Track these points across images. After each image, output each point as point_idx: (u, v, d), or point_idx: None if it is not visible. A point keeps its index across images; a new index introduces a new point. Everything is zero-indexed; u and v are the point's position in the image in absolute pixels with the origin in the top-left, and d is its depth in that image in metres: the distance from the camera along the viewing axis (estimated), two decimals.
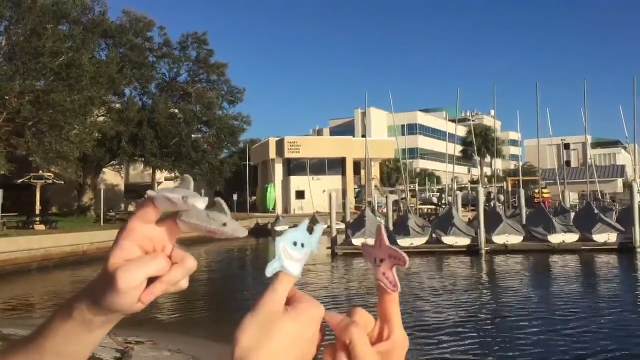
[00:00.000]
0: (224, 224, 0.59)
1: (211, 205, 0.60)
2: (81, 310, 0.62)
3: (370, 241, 0.62)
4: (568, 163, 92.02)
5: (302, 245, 0.58)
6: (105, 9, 38.52)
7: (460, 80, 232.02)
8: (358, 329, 0.57)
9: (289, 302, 0.58)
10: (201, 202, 0.59)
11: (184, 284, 0.64)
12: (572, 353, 9.77)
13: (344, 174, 62.69)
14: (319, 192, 56.69)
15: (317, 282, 19.48)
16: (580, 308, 13.81)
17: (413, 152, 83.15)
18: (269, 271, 0.56)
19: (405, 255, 0.59)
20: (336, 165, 62.81)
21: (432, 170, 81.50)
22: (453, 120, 60.99)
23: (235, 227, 0.59)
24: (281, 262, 0.56)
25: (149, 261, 0.61)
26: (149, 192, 0.61)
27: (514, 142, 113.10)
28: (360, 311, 0.60)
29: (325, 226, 31.38)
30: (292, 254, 0.57)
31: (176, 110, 43.61)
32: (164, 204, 0.60)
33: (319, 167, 62.17)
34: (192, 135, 43.69)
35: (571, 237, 25.85)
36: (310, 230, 0.60)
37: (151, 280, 0.61)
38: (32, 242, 24.03)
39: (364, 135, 63.71)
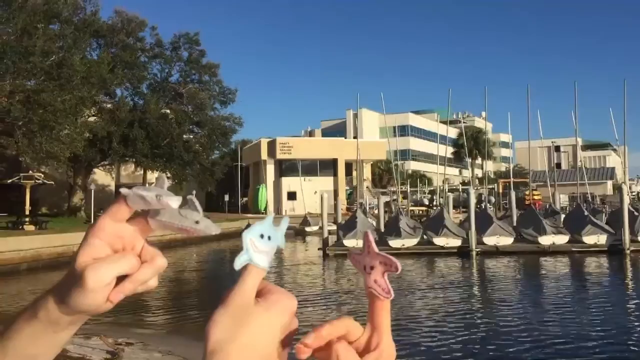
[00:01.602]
0: (197, 222, 0.59)
1: (184, 204, 0.60)
2: (47, 310, 0.61)
3: (360, 245, 0.61)
4: (558, 165, 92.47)
5: (269, 238, 0.57)
6: (96, 8, 38.44)
7: (452, 82, 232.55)
8: (342, 345, 0.56)
9: (260, 294, 0.57)
10: (175, 201, 0.58)
11: (154, 282, 0.63)
12: (560, 354, 9.82)
13: (335, 175, 62.79)
14: (311, 193, 56.76)
15: (308, 282, 19.49)
16: (570, 310, 13.90)
17: (404, 154, 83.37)
18: (238, 264, 0.56)
19: (396, 261, 0.58)
20: (328, 166, 62.90)
21: (423, 171, 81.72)
22: (444, 122, 61.33)
23: (208, 225, 0.59)
24: (249, 255, 0.56)
25: (119, 260, 0.60)
26: (122, 190, 0.60)
27: (505, 144, 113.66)
28: (347, 320, 0.58)
29: (317, 227, 31.44)
30: (259, 247, 0.56)
31: (168, 111, 43.52)
32: (137, 202, 0.59)
33: (311, 168, 62.23)
34: (184, 136, 43.63)
35: (561, 239, 25.97)
36: (276, 224, 0.59)
37: (120, 279, 0.60)
38: (21, 242, 23.87)
39: (355, 137, 63.82)
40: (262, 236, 0.57)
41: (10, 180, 31.98)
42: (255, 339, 0.54)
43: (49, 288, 0.63)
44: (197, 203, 0.60)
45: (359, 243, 26.33)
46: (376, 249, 0.59)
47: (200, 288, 19.37)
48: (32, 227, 28.43)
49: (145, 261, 0.62)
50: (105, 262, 0.59)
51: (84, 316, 0.63)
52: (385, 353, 0.58)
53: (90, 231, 0.61)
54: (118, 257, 0.61)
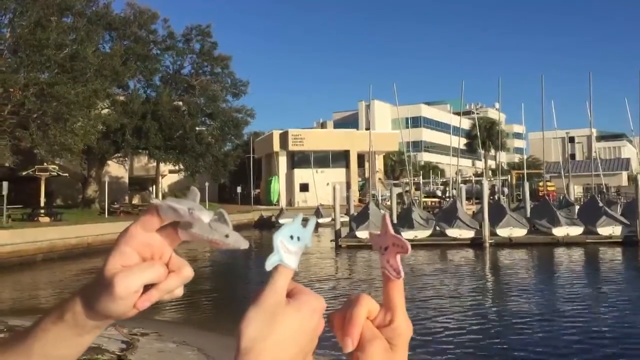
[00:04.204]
0: (226, 236, 0.60)
1: (214, 217, 0.61)
2: (74, 313, 0.62)
3: (376, 232, 0.64)
4: (573, 156, 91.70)
5: (298, 238, 0.58)
6: (109, 1, 38.56)
7: (465, 73, 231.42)
8: (365, 323, 0.60)
9: (289, 294, 0.59)
10: (207, 216, 0.59)
11: (179, 292, 0.65)
12: (575, 347, 9.77)
13: (347, 166, 62.67)
14: (323, 185, 56.72)
15: (321, 274, 19.51)
16: (584, 302, 13.81)
17: (417, 145, 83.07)
18: (269, 265, 0.57)
19: (407, 242, 0.60)
20: (340, 158, 62.78)
21: (436, 163, 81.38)
22: (457, 113, 61.01)
23: (237, 239, 0.60)
24: (279, 256, 0.57)
25: (147, 269, 0.62)
26: (155, 201, 0.61)
27: (518, 135, 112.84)
28: (366, 300, 0.61)
29: (329, 219, 31.48)
30: (289, 248, 0.57)
31: (180, 103, 43.61)
32: (169, 214, 0.60)
33: (323, 160, 62.16)
34: (196, 128, 43.69)
35: (575, 231, 25.80)
36: (304, 224, 0.60)
37: (147, 287, 0.62)
38: (37, 234, 24.13)
39: (368, 128, 63.62)
40: (291, 237, 0.58)
41: (25, 173, 32.26)
42: (286, 338, 0.56)
43: (76, 291, 0.64)
44: (227, 216, 0.61)
45: (374, 231, 26.29)
46: (391, 231, 0.62)
47: (214, 279, 19.45)
48: (47, 219, 28.72)
49: (173, 271, 0.64)
50: (134, 270, 0.61)
51: (109, 320, 0.64)
52: (400, 329, 0.61)
53: (121, 239, 0.62)
54: (147, 265, 0.62)
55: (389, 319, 0.61)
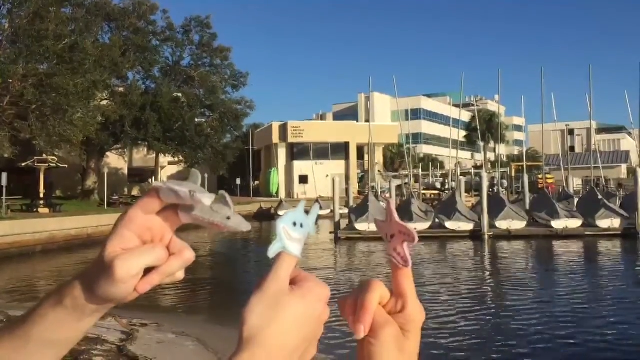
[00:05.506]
0: (228, 218, 0.59)
1: (216, 199, 0.59)
2: (74, 297, 0.61)
3: (381, 219, 0.63)
4: (572, 149, 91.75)
5: (301, 225, 0.58)
6: None
7: (465, 65, 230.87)
8: (378, 309, 0.59)
9: (294, 282, 0.58)
10: (208, 198, 0.58)
11: (181, 275, 0.64)
12: (573, 339, 9.79)
13: (347, 159, 62.66)
14: (322, 176, 56.75)
15: (320, 266, 19.53)
16: (583, 294, 13.84)
17: (417, 137, 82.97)
18: (272, 252, 0.56)
19: (414, 231, 0.59)
20: (339, 150, 62.76)
21: (435, 155, 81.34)
22: (457, 106, 60.93)
23: (239, 221, 0.59)
24: (282, 243, 0.56)
25: (148, 252, 0.60)
26: (155, 184, 0.60)
27: (518, 128, 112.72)
28: (378, 286, 0.60)
29: (329, 211, 31.52)
30: (292, 235, 0.57)
31: (179, 95, 43.50)
32: (170, 196, 0.59)
33: (323, 152, 62.14)
34: (196, 120, 43.65)
35: (575, 223, 25.82)
36: (307, 211, 0.59)
37: (147, 270, 0.61)
38: (36, 225, 24.11)
39: (367, 120, 63.57)
40: (294, 224, 0.57)
41: (24, 164, 32.21)
42: (290, 325, 0.55)
43: (75, 275, 0.63)
44: (228, 198, 0.59)
45: (371, 227, 26.41)
46: (396, 218, 0.61)
47: (213, 270, 19.49)
48: (46, 210, 28.70)
49: (174, 254, 0.62)
50: (134, 253, 0.60)
51: (109, 304, 0.63)
52: (412, 315, 0.60)
53: (120, 222, 0.61)
54: (147, 248, 0.61)
55: (400, 305, 0.60)
